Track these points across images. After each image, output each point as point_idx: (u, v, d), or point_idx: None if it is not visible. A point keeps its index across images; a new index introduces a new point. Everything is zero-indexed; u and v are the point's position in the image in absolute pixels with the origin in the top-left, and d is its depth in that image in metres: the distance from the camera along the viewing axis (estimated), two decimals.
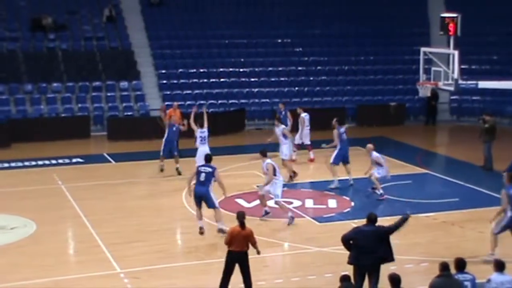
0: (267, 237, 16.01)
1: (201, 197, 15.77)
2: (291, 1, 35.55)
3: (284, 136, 21.07)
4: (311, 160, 23.41)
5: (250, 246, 12.49)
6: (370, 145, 19.02)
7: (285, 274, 13.94)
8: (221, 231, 15.57)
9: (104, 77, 30.68)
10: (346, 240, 11.92)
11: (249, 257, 12.44)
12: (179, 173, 21.48)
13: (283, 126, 21.58)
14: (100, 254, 15.03)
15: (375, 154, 18.92)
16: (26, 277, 13.70)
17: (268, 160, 16.96)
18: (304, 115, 23.61)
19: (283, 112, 24.24)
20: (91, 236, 16.22)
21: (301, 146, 23.62)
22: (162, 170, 21.79)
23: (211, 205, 15.84)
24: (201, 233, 15.83)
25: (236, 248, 12.24)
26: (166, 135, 21.83)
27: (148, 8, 33.99)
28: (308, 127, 23.62)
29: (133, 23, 33.21)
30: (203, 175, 15.69)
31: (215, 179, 15.72)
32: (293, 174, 20.77)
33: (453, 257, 10.96)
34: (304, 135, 23.64)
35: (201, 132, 20.43)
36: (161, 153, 21.82)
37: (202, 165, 16.05)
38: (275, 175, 16.81)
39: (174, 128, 21.96)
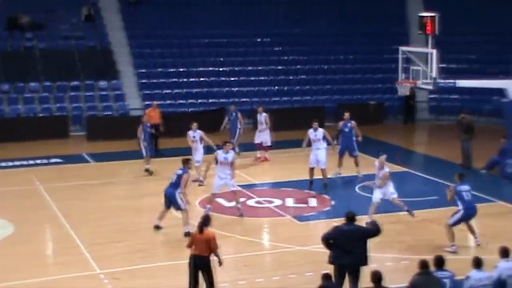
0: (247, 236, 16.01)
1: (168, 198, 15.96)
2: (271, 0, 35.55)
3: (325, 139, 19.74)
4: (265, 159, 23.38)
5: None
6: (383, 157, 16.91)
7: (265, 273, 13.92)
8: (187, 234, 15.36)
9: (83, 76, 30.50)
10: (326, 240, 11.90)
11: (227, 256, 12.37)
12: (150, 173, 21.44)
13: (322, 129, 19.90)
14: (80, 255, 14.92)
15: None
16: (4, 278, 13.54)
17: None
18: (264, 115, 23.45)
19: (234, 114, 23.97)
20: (70, 237, 16.10)
21: (260, 145, 23.47)
22: (150, 172, 21.57)
23: (177, 207, 15.97)
24: (156, 228, 16.21)
25: (196, 251, 11.88)
26: (143, 137, 21.60)
27: (127, 7, 33.83)
28: (268, 127, 23.37)
29: (111, 22, 33.04)
30: (174, 177, 16.00)
31: (182, 183, 15.86)
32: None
33: (433, 255, 11.03)
34: (264, 135, 23.37)
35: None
36: (145, 155, 21.55)
37: (179, 168, 16.18)
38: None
39: (148, 129, 21.85)
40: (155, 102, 25.50)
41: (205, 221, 12.18)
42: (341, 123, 21.42)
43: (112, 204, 18.88)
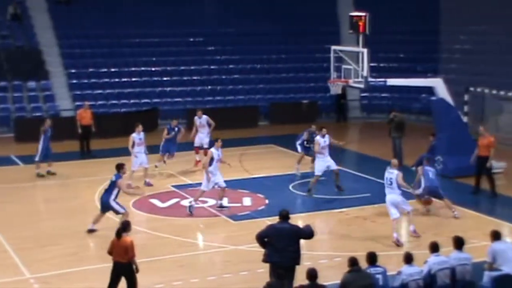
0: (182, 237, 15.90)
1: (102, 205, 15.83)
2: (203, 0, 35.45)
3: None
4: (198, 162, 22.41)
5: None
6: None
7: (201, 273, 13.85)
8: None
9: (10, 77, 29.73)
10: (261, 238, 11.90)
11: (162, 257, 12.28)
12: (42, 176, 21.28)
13: (328, 135, 19.43)
14: (8, 259, 14.52)
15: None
16: None
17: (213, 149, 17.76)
18: (206, 117, 22.36)
19: (176, 129, 21.98)
20: None
21: (200, 148, 22.52)
22: (42, 175, 21.33)
23: (116, 212, 15.81)
24: (90, 231, 15.92)
25: (116, 258, 11.84)
26: (42, 141, 21.33)
27: (56, 6, 33.14)
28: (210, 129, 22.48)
29: (40, 21, 32.32)
30: (108, 182, 15.85)
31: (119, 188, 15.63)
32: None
33: (365, 251, 11.17)
34: (204, 137, 22.34)
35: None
36: (37, 159, 21.33)
37: (114, 174, 15.92)
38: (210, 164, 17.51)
39: (49, 134, 21.58)
40: (86, 103, 25.09)
41: (125, 227, 12.11)
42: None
43: (42, 207, 18.48)
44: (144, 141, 20.29)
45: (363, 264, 10.84)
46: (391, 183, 15.60)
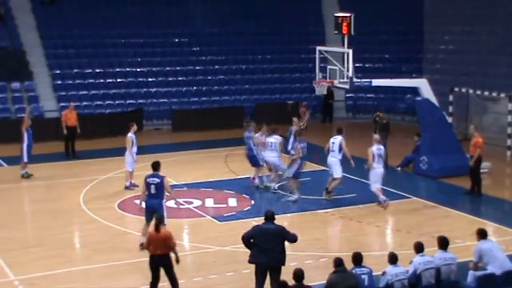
0: None
1: (154, 211, 14.12)
2: (188, 0, 35.40)
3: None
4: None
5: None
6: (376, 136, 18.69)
7: (186, 274, 13.79)
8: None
9: None
10: (247, 239, 11.91)
11: (147, 259, 12.24)
12: (27, 177, 21.13)
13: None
14: None
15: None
16: None
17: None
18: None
19: (258, 134, 19.69)
20: None
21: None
22: (29, 176, 21.17)
23: (162, 220, 14.84)
24: (142, 249, 14.02)
25: (155, 251, 11.93)
26: (26, 140, 21.21)
27: (40, 6, 32.95)
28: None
29: (24, 22, 32.11)
30: (153, 187, 14.34)
31: (165, 189, 14.44)
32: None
33: (351, 251, 11.20)
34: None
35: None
36: (26, 160, 21.17)
37: (150, 176, 14.45)
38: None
39: (30, 134, 21.45)
40: (71, 104, 24.99)
41: (161, 220, 12.25)
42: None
43: (26, 208, 18.38)
44: (136, 141, 20.19)
45: (349, 264, 10.86)
46: (379, 159, 17.92)
